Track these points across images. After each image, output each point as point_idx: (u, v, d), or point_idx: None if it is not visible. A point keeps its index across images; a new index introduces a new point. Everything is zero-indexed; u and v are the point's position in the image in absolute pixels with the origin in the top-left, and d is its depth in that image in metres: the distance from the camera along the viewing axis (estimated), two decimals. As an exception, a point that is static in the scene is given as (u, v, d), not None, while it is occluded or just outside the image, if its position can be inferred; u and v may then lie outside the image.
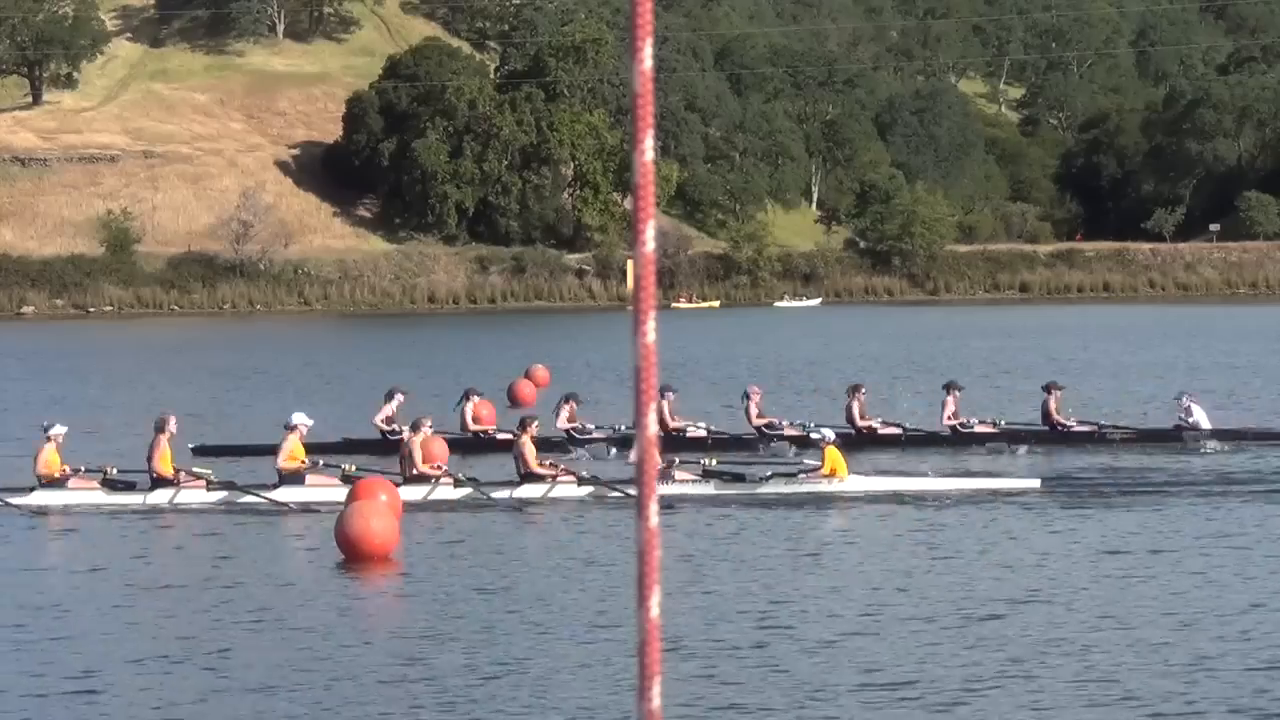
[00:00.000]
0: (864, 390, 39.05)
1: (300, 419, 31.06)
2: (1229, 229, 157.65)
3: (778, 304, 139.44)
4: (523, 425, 31.37)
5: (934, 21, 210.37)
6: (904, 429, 38.14)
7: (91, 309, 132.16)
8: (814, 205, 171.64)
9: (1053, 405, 38.18)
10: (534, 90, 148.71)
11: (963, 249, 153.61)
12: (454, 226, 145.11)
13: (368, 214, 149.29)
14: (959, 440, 37.44)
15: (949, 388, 38.68)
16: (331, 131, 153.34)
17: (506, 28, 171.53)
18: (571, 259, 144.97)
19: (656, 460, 4.31)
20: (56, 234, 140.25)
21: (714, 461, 31.51)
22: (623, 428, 37.06)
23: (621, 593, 21.48)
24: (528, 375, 53.35)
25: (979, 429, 37.83)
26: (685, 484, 30.57)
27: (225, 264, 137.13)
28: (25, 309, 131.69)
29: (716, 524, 27.41)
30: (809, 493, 30.26)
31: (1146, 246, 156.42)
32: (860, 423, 37.86)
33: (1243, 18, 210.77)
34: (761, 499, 29.89)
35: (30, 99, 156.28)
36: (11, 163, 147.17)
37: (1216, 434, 37.24)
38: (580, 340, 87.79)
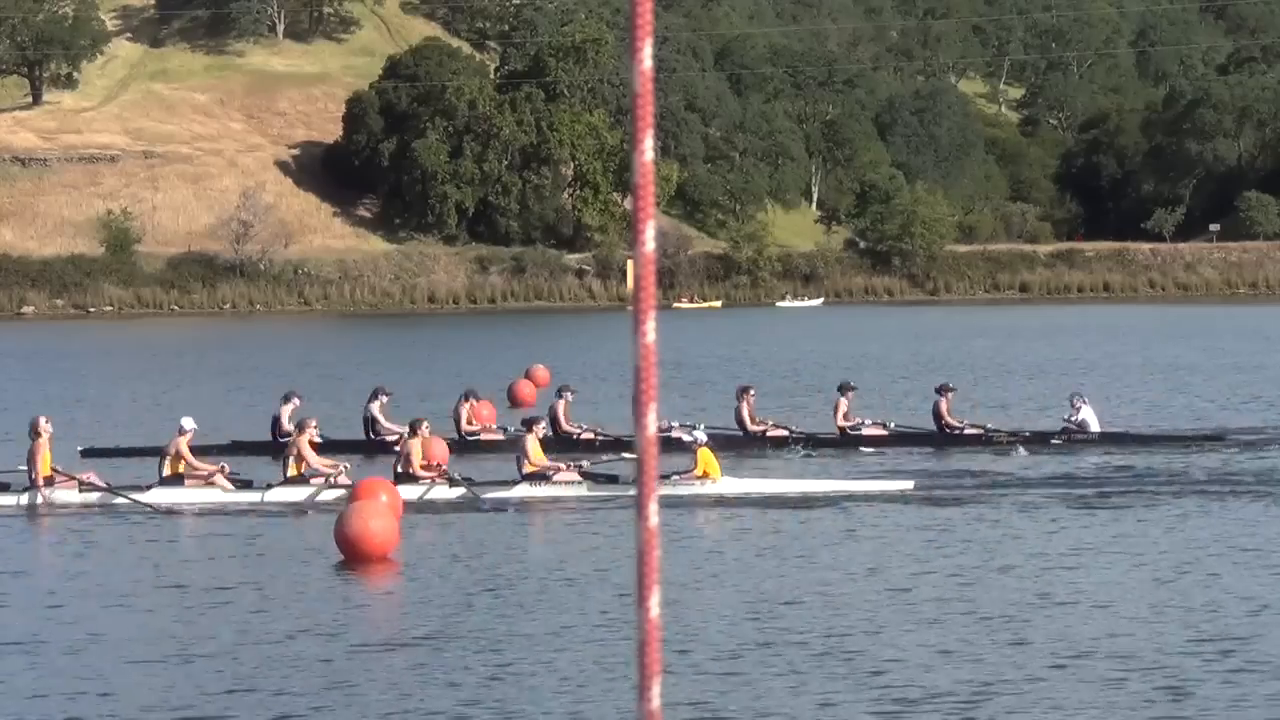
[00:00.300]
0: (753, 392, 38.93)
1: (188, 423, 31.29)
2: (1229, 229, 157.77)
3: (779, 304, 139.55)
4: (413, 429, 31.76)
5: (934, 21, 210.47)
6: (790, 431, 38.19)
7: (91, 309, 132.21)
8: (814, 205, 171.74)
9: (944, 407, 38.22)
10: (534, 90, 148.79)
11: (963, 249, 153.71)
12: (454, 226, 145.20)
13: (368, 214, 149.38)
14: (847, 442, 37.54)
15: (842, 389, 38.71)
16: (331, 131, 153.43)
17: (506, 28, 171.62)
18: (571, 259, 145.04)
19: (656, 460, 4.30)
20: (56, 234, 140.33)
21: (588, 464, 31.81)
22: (512, 430, 37.22)
23: (621, 592, 21.48)
24: (528, 375, 53.42)
25: (868, 431, 37.93)
26: (561, 486, 30.80)
27: (225, 264, 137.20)
28: (25, 309, 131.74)
29: (590, 527, 27.52)
30: (682, 495, 30.17)
31: (1146, 246, 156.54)
32: (751, 426, 37.84)
33: (1243, 18, 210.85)
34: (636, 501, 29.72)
35: (30, 99, 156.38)
36: (11, 163, 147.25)
37: (1105, 436, 37.33)
38: (580, 340, 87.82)
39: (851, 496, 30.10)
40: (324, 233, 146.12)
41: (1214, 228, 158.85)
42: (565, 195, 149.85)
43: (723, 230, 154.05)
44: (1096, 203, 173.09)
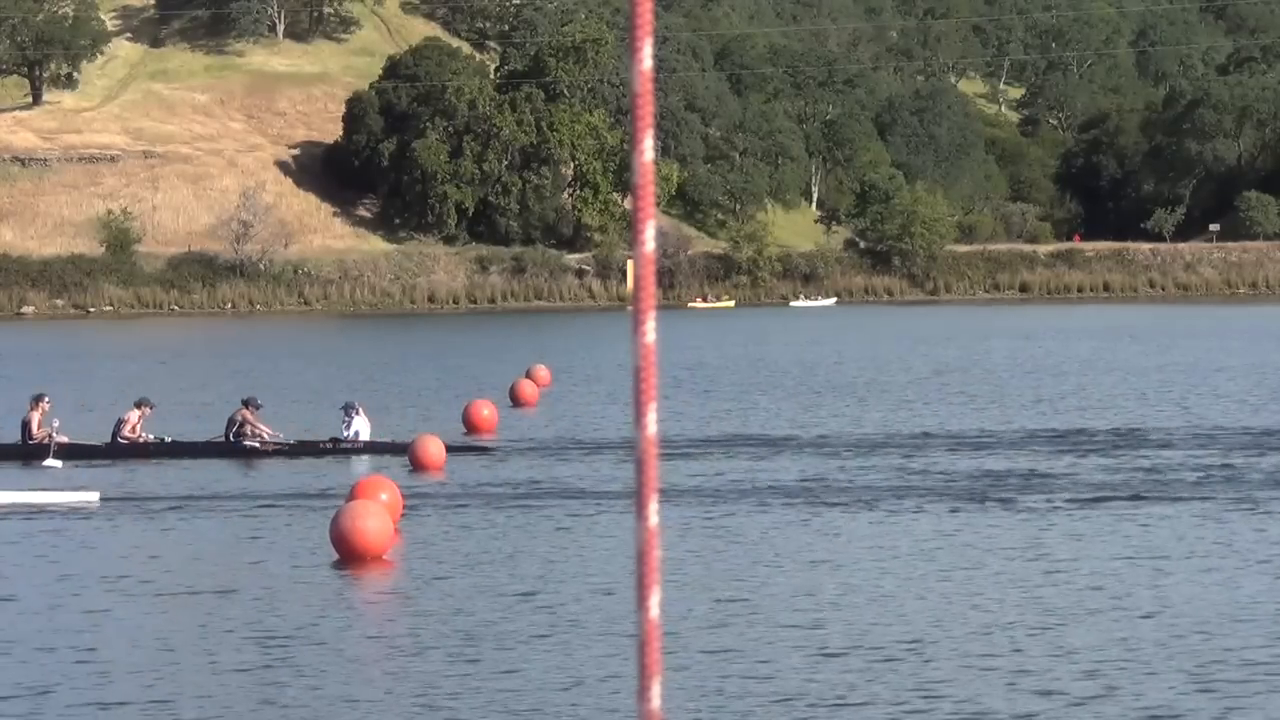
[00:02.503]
0: (46, 399, 38.16)
1: None
2: (1228, 229, 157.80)
3: (793, 304, 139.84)
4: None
5: (934, 21, 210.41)
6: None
7: (91, 309, 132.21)
8: (814, 205, 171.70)
9: (248, 417, 37.95)
10: (534, 90, 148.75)
11: (963, 249, 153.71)
12: (454, 226, 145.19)
13: (368, 214, 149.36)
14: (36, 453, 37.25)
15: (139, 404, 38.32)
16: (331, 131, 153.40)
17: (506, 28, 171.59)
18: (571, 259, 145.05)
19: (656, 460, 4.28)
20: (56, 234, 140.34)
21: None
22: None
23: (619, 592, 21.47)
24: (528, 375, 53.45)
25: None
26: None
27: (225, 264, 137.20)
28: (25, 309, 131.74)
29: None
30: None
31: (1146, 246, 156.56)
32: (37, 433, 37.25)
33: (1243, 18, 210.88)
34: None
35: (30, 99, 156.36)
36: (11, 163, 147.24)
37: (372, 446, 37.64)
38: (580, 340, 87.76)
39: (33, 509, 29.99)
40: (324, 233, 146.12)
41: (1214, 228, 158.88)
42: (565, 195, 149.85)
43: (723, 230, 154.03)
44: (1096, 203, 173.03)
